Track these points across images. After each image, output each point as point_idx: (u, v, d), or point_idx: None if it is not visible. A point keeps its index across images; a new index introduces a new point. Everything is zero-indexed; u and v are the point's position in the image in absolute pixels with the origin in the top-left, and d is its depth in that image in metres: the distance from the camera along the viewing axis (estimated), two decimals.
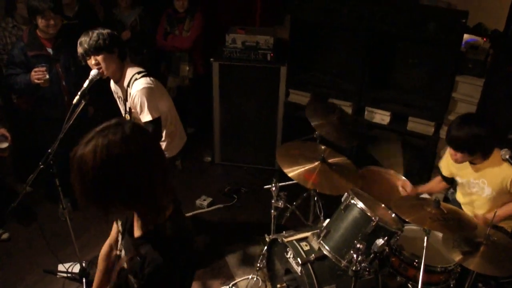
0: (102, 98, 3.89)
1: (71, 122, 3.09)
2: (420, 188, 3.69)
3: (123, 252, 1.94)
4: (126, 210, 1.73)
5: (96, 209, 1.58)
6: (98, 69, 3.18)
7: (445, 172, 3.53)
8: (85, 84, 3.11)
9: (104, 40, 3.13)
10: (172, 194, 1.77)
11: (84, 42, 3.14)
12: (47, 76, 3.83)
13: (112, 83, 3.49)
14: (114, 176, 1.52)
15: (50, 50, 4.02)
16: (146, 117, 3.23)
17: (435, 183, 3.69)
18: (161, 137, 3.45)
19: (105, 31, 3.17)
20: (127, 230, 1.88)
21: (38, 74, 3.80)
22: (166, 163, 1.71)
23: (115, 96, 3.56)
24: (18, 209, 4.10)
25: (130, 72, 3.30)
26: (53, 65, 4.01)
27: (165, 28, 5.25)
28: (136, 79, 3.24)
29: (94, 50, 3.13)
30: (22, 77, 3.92)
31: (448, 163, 3.44)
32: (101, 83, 3.31)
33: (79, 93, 3.08)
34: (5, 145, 3.75)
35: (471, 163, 3.21)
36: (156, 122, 3.27)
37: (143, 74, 3.28)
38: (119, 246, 2.00)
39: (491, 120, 3.26)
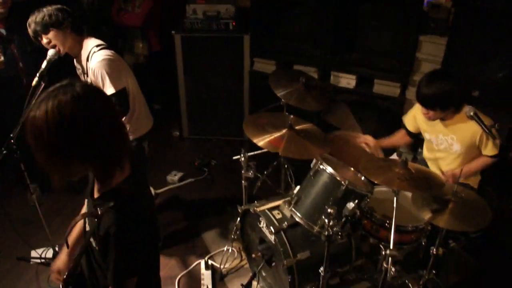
0: (62, 77, 3.77)
1: (32, 105, 2.98)
2: (383, 142, 3.71)
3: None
4: (84, 170, 1.70)
5: (56, 171, 1.59)
6: (53, 47, 3.06)
7: (410, 127, 3.56)
8: (43, 65, 3.01)
9: (50, 16, 2.98)
10: (129, 156, 1.76)
11: (31, 22, 3.00)
12: (2, 58, 3.70)
13: (75, 60, 3.35)
14: (68, 135, 1.51)
15: (3, 31, 3.89)
16: (109, 89, 3.08)
17: (399, 137, 3.72)
18: (129, 108, 3.28)
19: (52, 7, 3.02)
20: (89, 193, 1.89)
21: None
22: (120, 122, 1.72)
23: (78, 72, 3.41)
24: None
25: (88, 45, 3.16)
26: (8, 46, 3.87)
27: (120, 5, 5.09)
28: (94, 52, 3.11)
29: (43, 28, 3.00)
30: None
31: (415, 118, 3.47)
32: (60, 61, 3.16)
33: (37, 74, 2.98)
34: None
35: (441, 119, 3.23)
36: (120, 94, 3.13)
37: (102, 46, 3.15)
38: (85, 207, 2.04)
39: (458, 74, 3.27)
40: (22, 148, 3.14)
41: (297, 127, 3.37)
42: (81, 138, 1.53)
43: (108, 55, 3.11)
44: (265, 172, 4.10)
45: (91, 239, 1.79)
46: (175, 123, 5.62)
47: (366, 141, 3.67)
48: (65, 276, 1.72)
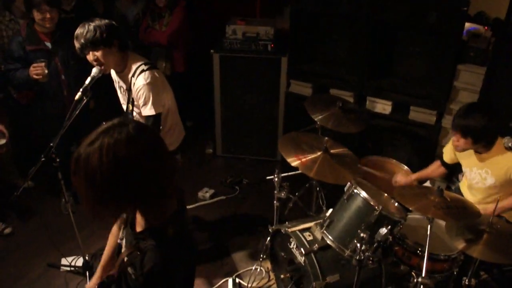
0: (102, 90, 3.87)
1: (73, 118, 3.06)
2: (416, 175, 3.68)
3: (123, 242, 1.94)
4: (133, 210, 1.72)
5: (103, 211, 1.57)
6: (98, 64, 3.07)
7: (447, 158, 3.53)
8: (87, 81, 3.06)
9: (102, 33, 2.97)
10: (178, 193, 1.77)
11: (80, 35, 2.98)
12: (46, 71, 3.78)
13: (113, 72, 3.38)
14: (121, 176, 1.49)
15: (48, 45, 3.99)
16: (148, 111, 3.15)
17: (433, 169, 3.68)
18: (160, 132, 3.33)
19: (103, 23, 3.02)
20: (129, 222, 1.87)
21: (37, 70, 3.75)
22: (173, 162, 1.71)
23: (116, 85, 3.47)
24: (18, 204, 4.15)
25: (135, 63, 3.20)
26: (52, 59, 3.98)
27: (148, 23, 5.18)
28: (143, 70, 3.14)
29: (91, 45, 2.99)
30: (21, 72, 3.88)
31: (453, 149, 3.45)
32: (104, 78, 3.24)
33: (81, 89, 3.03)
34: (2, 141, 3.75)
35: (476, 151, 3.21)
36: (156, 117, 3.20)
37: (149, 66, 3.18)
38: (120, 234, 2.00)
39: (497, 109, 3.24)
40: (60, 157, 3.22)
41: (332, 151, 3.38)
42: (134, 180, 1.51)
43: (155, 77, 3.16)
44: (296, 194, 4.10)
45: (130, 269, 1.76)
46: (209, 141, 5.67)
47: (398, 180, 3.64)
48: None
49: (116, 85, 3.47)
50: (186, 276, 1.81)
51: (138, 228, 1.79)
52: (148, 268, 1.62)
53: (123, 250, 1.95)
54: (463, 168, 3.39)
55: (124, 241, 1.94)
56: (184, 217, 1.84)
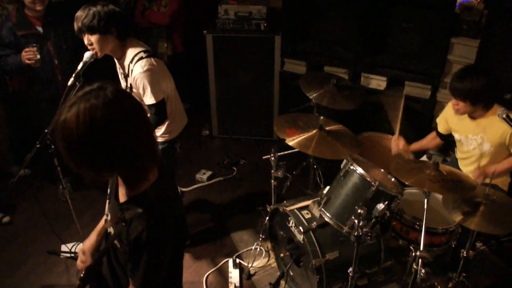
0: (95, 75, 3.83)
1: (62, 107, 3.02)
2: (412, 145, 3.70)
3: (109, 216, 1.95)
4: (112, 174, 1.74)
5: (85, 173, 1.59)
6: (92, 49, 3.04)
7: (441, 128, 3.56)
8: (79, 66, 3.03)
9: (99, 20, 2.92)
10: (158, 161, 1.77)
11: (79, 18, 2.95)
12: (38, 56, 3.75)
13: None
14: (98, 140, 1.51)
15: (40, 29, 3.96)
16: (149, 100, 3.10)
17: (429, 139, 3.72)
18: (166, 118, 3.30)
19: (104, 9, 2.95)
20: (113, 194, 1.89)
21: (29, 54, 3.72)
22: (149, 128, 1.71)
23: (119, 72, 3.40)
24: (15, 191, 4.14)
25: (133, 50, 3.13)
26: (44, 44, 3.95)
27: (144, 4, 5.13)
28: (141, 58, 3.07)
29: (87, 29, 2.96)
30: (13, 58, 3.85)
31: (446, 119, 3.46)
32: (97, 60, 3.17)
33: (73, 75, 3.00)
34: None
35: (471, 117, 3.24)
36: (159, 105, 3.15)
37: (148, 53, 3.12)
38: (106, 210, 2.03)
39: (492, 70, 3.25)
40: (56, 144, 3.19)
41: (327, 128, 3.38)
42: (111, 144, 1.53)
43: (152, 65, 3.09)
44: (294, 172, 4.11)
45: (116, 242, 1.79)
46: (205, 122, 5.66)
47: (397, 144, 3.64)
48: (82, 274, 1.70)
49: (118, 71, 3.41)
50: (174, 244, 1.80)
51: (122, 199, 1.82)
52: (134, 236, 1.64)
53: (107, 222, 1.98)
54: (457, 137, 3.41)
55: (109, 215, 1.95)
56: (165, 185, 1.83)
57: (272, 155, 3.50)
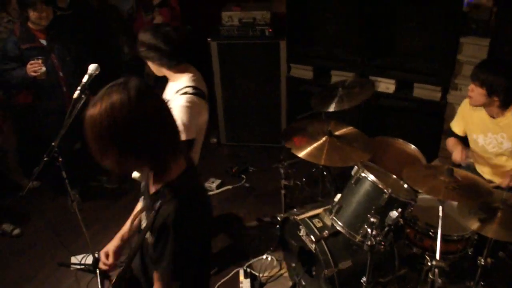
0: (102, 86, 3.82)
1: (73, 117, 3.01)
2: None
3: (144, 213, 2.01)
4: (140, 165, 1.77)
5: (113, 166, 1.66)
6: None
7: (457, 129, 3.51)
8: (85, 79, 3.01)
9: (147, 51, 2.92)
10: (183, 153, 1.85)
11: (137, 39, 2.96)
12: (44, 68, 3.80)
13: None
14: (121, 134, 1.57)
15: (43, 42, 3.98)
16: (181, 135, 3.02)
17: (453, 144, 3.57)
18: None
19: (152, 42, 2.90)
20: (146, 190, 1.95)
21: (34, 67, 3.78)
22: (172, 120, 1.75)
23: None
24: (25, 204, 4.14)
25: (184, 81, 3.05)
26: (48, 56, 3.96)
27: (142, 15, 5.11)
28: (186, 92, 2.98)
29: (142, 55, 2.98)
30: (18, 71, 3.89)
31: (463, 117, 3.45)
32: (101, 74, 3.14)
33: (79, 88, 2.99)
34: None
35: (490, 116, 3.22)
36: (188, 143, 3.02)
37: (194, 91, 3.02)
38: (141, 215, 2.06)
39: None
40: (64, 156, 3.19)
41: (337, 133, 3.32)
42: (134, 137, 1.59)
43: (194, 102, 2.99)
44: (303, 180, 4.06)
45: (147, 235, 1.81)
46: (213, 130, 5.63)
47: (464, 154, 3.44)
48: (114, 280, 1.76)
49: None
50: (202, 233, 1.83)
51: (151, 191, 1.87)
52: (161, 221, 1.69)
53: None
54: (475, 137, 3.35)
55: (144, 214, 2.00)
56: (194, 175, 1.88)
57: (281, 163, 3.45)
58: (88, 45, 4.36)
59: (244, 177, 5.01)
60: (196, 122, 3.09)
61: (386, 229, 2.77)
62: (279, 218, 3.55)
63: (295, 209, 3.33)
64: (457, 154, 3.40)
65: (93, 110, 1.57)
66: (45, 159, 3.08)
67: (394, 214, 2.70)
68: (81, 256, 3.96)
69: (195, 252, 1.78)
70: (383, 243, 2.73)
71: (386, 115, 4.58)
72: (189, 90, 3.02)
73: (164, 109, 1.72)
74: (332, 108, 3.78)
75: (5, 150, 4.58)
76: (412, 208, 2.92)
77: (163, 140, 1.67)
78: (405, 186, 3.02)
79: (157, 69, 3.04)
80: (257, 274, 3.73)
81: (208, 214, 1.91)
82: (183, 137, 2.97)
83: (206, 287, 2.06)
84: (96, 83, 3.05)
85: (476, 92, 3.11)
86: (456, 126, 3.52)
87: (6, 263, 4.05)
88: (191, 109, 2.96)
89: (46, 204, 4.71)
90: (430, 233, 2.95)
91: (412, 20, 4.24)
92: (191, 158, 1.91)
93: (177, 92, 3.01)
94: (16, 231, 4.34)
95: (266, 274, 3.73)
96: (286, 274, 3.68)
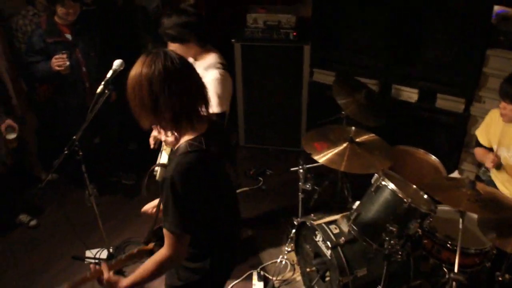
0: (124, 82, 3.84)
1: (95, 111, 3.04)
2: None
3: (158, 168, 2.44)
4: (166, 124, 1.94)
5: (146, 117, 1.89)
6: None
7: (483, 140, 3.45)
8: (109, 74, 3.06)
9: (179, 31, 3.01)
10: (204, 119, 2.02)
11: (162, 27, 3.06)
12: (68, 63, 3.84)
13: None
14: (152, 101, 1.83)
15: (68, 36, 4.02)
16: (215, 108, 3.07)
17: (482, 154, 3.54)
18: None
19: (184, 20, 3.01)
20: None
21: (59, 61, 3.82)
22: (199, 88, 2.01)
23: None
24: (43, 196, 4.16)
25: (212, 58, 3.17)
26: (73, 51, 4.00)
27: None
28: (217, 67, 3.12)
29: (169, 38, 3.06)
30: (43, 64, 3.92)
31: (488, 129, 3.38)
32: (124, 70, 3.21)
33: (102, 83, 3.04)
34: (13, 135, 3.85)
35: None
36: (220, 116, 3.13)
37: (224, 66, 3.17)
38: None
39: None
40: (83, 150, 3.21)
41: (358, 139, 3.30)
42: (169, 95, 1.83)
43: (225, 76, 3.14)
44: (321, 185, 4.04)
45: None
46: (232, 131, 5.62)
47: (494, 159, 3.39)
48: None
49: None
50: (205, 195, 1.97)
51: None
52: (166, 178, 1.87)
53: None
54: (500, 148, 3.28)
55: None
56: (209, 141, 1.97)
57: (300, 167, 3.44)
58: (112, 41, 4.40)
59: (262, 179, 5.00)
60: (228, 94, 3.22)
61: (404, 238, 2.75)
62: (295, 222, 3.54)
63: (312, 214, 3.32)
64: (489, 159, 3.34)
65: (131, 74, 1.85)
66: (66, 152, 3.12)
67: (413, 224, 2.69)
68: (96, 250, 3.97)
69: (195, 208, 1.93)
70: (400, 252, 2.72)
71: (408, 124, 4.54)
72: (219, 65, 3.15)
73: (196, 77, 2.00)
74: (348, 109, 3.79)
75: (26, 142, 4.61)
76: (431, 219, 2.88)
77: (187, 99, 1.89)
78: (425, 196, 2.99)
79: (185, 51, 3.07)
80: (270, 277, 3.72)
81: (210, 176, 2.01)
82: (217, 110, 3.07)
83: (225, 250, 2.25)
84: (118, 79, 3.09)
85: (509, 109, 3.04)
86: (481, 136, 3.47)
87: (21, 254, 4.09)
88: (223, 82, 3.10)
89: (64, 197, 4.75)
90: (448, 245, 2.92)
91: (439, 30, 4.19)
92: (222, 124, 2.14)
93: (207, 68, 3.12)
94: (33, 222, 4.38)
95: (279, 277, 3.72)
96: (299, 279, 3.66)
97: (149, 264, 2.02)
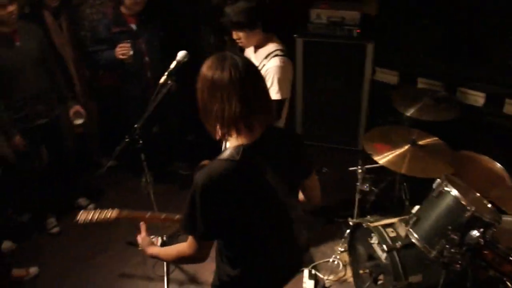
0: (186, 74, 3.87)
1: (157, 102, 3.08)
2: None
3: None
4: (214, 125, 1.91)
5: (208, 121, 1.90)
6: (240, 43, 3.18)
7: None
8: (172, 65, 3.07)
9: (246, 17, 3.04)
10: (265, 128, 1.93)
11: (227, 14, 3.07)
12: (131, 52, 3.90)
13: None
14: (207, 102, 1.84)
15: (133, 26, 4.09)
16: (275, 95, 3.08)
17: None
18: (280, 117, 3.29)
19: (250, 5, 3.06)
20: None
21: (123, 50, 3.88)
22: (260, 97, 1.90)
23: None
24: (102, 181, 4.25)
25: (273, 46, 3.20)
26: (136, 41, 4.06)
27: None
28: (277, 54, 3.13)
29: (236, 26, 3.09)
30: (107, 53, 4.00)
31: None
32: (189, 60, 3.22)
33: (165, 73, 3.05)
34: (80, 121, 4.00)
35: None
36: (280, 103, 3.16)
37: (285, 53, 3.19)
38: None
39: None
40: (143, 138, 3.26)
41: (420, 142, 3.21)
42: (211, 105, 1.82)
43: (287, 63, 3.16)
44: (378, 187, 3.97)
45: None
46: (289, 127, 5.59)
47: None
48: None
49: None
50: (226, 208, 1.88)
51: None
52: (195, 177, 1.85)
53: None
54: None
55: None
56: (250, 153, 1.88)
57: (359, 167, 3.38)
58: (175, 32, 4.44)
59: (317, 177, 4.93)
60: (289, 81, 3.22)
61: (464, 248, 2.65)
62: (351, 223, 3.48)
63: (368, 216, 3.26)
64: None
65: (200, 75, 1.86)
66: (127, 140, 3.17)
67: (475, 233, 2.58)
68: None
69: (211, 216, 1.87)
70: (460, 262, 2.62)
71: (472, 129, 4.39)
72: (280, 52, 3.15)
73: (253, 83, 1.87)
74: (410, 112, 3.70)
75: (88, 129, 4.74)
76: (494, 229, 2.77)
77: (242, 110, 1.80)
78: (489, 205, 2.87)
79: (250, 38, 3.13)
80: (321, 276, 3.69)
81: (241, 188, 1.90)
82: (277, 96, 3.08)
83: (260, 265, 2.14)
84: (181, 70, 3.11)
85: None
86: None
87: (79, 236, 4.21)
88: (285, 68, 3.11)
89: (121, 183, 4.87)
90: (511, 257, 2.80)
91: (509, 33, 4.04)
92: (284, 131, 2.27)
93: (269, 55, 3.14)
94: (91, 206, 4.50)
95: (331, 277, 3.69)
96: (351, 280, 3.62)
97: (173, 250, 2.12)
